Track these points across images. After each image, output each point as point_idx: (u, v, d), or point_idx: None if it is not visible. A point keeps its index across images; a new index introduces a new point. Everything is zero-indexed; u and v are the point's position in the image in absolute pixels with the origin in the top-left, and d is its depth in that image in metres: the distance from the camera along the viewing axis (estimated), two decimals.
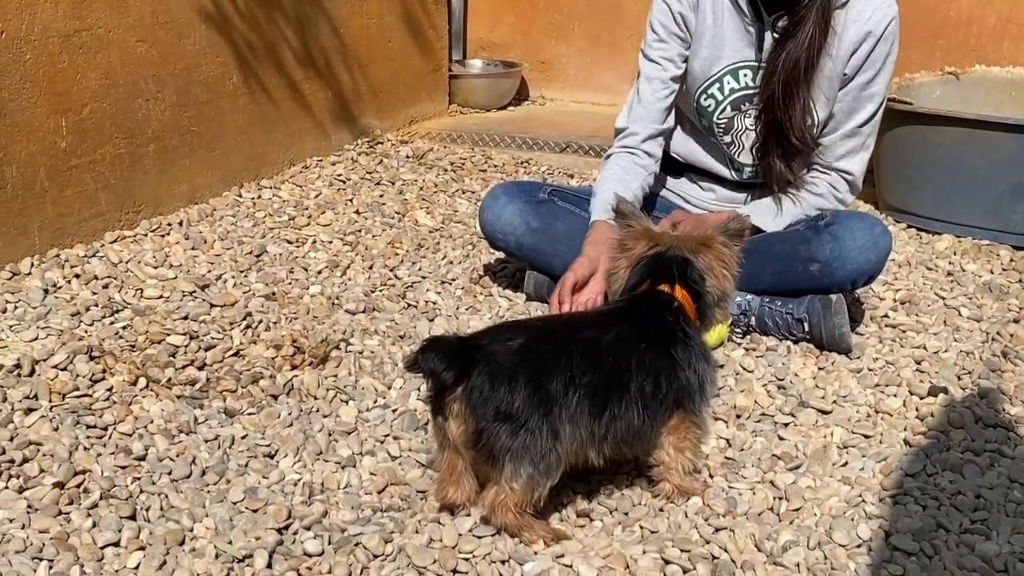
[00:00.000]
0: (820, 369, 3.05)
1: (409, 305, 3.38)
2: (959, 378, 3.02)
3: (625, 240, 2.49)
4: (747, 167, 3.35)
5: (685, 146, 3.45)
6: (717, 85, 3.28)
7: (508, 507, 2.17)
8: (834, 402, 2.86)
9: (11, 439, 2.47)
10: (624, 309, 2.40)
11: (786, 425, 2.75)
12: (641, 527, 2.33)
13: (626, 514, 2.38)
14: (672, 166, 3.50)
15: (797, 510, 2.40)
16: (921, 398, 2.90)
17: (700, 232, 2.47)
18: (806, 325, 3.14)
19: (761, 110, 3.21)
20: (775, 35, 3.13)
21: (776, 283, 3.21)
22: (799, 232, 3.21)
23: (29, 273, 3.32)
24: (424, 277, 3.60)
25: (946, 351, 3.19)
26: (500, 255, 3.72)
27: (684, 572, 2.19)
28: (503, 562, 2.20)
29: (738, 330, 3.22)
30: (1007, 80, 4.83)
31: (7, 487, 2.32)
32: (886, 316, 3.42)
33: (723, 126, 3.31)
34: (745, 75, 3.24)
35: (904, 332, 3.32)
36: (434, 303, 3.41)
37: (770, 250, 3.22)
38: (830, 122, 3.24)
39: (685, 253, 2.40)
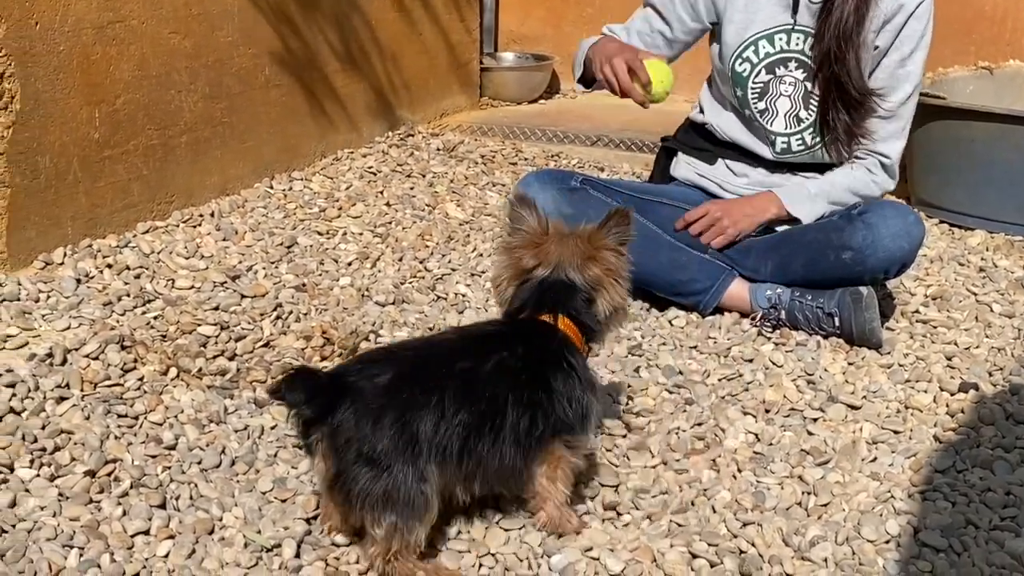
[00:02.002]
0: (850, 364, 3.04)
1: (439, 297, 3.38)
2: (990, 374, 3.00)
3: (514, 245, 2.30)
4: (779, 137, 3.34)
5: (720, 119, 3.44)
6: (752, 48, 3.29)
7: (383, 555, 2.04)
8: (864, 397, 2.84)
9: (43, 427, 2.49)
10: (505, 334, 2.25)
11: (815, 420, 2.74)
12: (669, 521, 2.32)
13: (654, 508, 2.38)
14: (706, 152, 3.49)
15: (825, 505, 2.39)
16: (952, 394, 2.88)
17: (588, 238, 2.27)
18: (836, 319, 3.12)
19: (817, 68, 3.21)
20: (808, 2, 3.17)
21: (808, 273, 3.20)
22: (832, 221, 3.21)
23: (62, 263, 3.34)
24: (454, 269, 3.60)
25: (977, 347, 3.17)
26: None
27: (712, 566, 2.19)
28: (532, 550, 2.21)
29: (768, 324, 3.21)
30: None
31: (39, 475, 2.34)
32: (917, 312, 3.40)
33: (758, 91, 3.31)
34: (780, 39, 3.25)
35: (935, 328, 3.30)
36: (463, 295, 3.41)
37: (803, 239, 3.22)
38: (886, 108, 3.25)
39: (570, 274, 2.24)
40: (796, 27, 3.22)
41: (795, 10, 3.21)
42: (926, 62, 3.26)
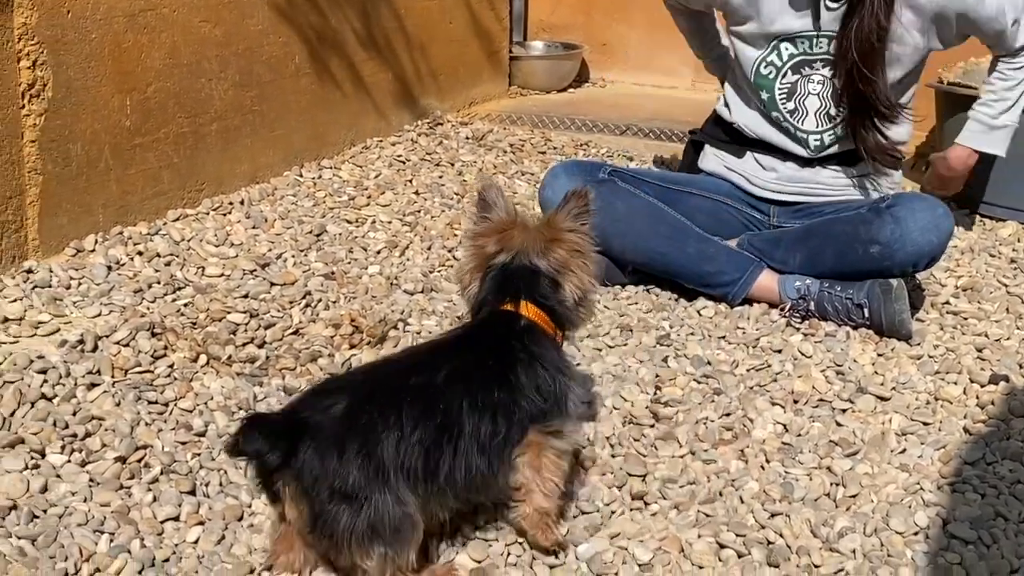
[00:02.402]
0: (879, 355, 3.02)
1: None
2: (1021, 366, 2.98)
3: (479, 236, 2.24)
4: (812, 135, 3.33)
5: (745, 117, 3.44)
6: (775, 53, 3.29)
7: None
8: (893, 389, 2.83)
9: (74, 413, 2.51)
10: (463, 337, 2.19)
11: (844, 411, 2.73)
12: (697, 511, 2.32)
13: (682, 498, 2.37)
14: (734, 145, 3.48)
15: (854, 496, 2.38)
16: (982, 386, 2.87)
17: (547, 223, 2.22)
18: (866, 311, 3.11)
19: (843, 85, 3.21)
20: (827, 6, 3.16)
21: (836, 266, 3.19)
22: (860, 214, 3.20)
23: (93, 250, 3.36)
24: None
25: (1008, 339, 3.15)
26: None
27: (739, 556, 2.19)
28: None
29: (797, 315, 3.20)
30: None
31: (70, 461, 2.36)
32: (947, 303, 3.38)
33: (785, 91, 3.31)
34: (803, 43, 3.26)
35: (966, 319, 3.28)
36: None
37: (831, 231, 3.22)
38: (988, 42, 3.34)
39: (532, 259, 2.17)
40: (820, 33, 3.21)
41: (816, 17, 3.20)
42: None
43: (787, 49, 3.27)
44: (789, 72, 3.29)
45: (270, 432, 1.88)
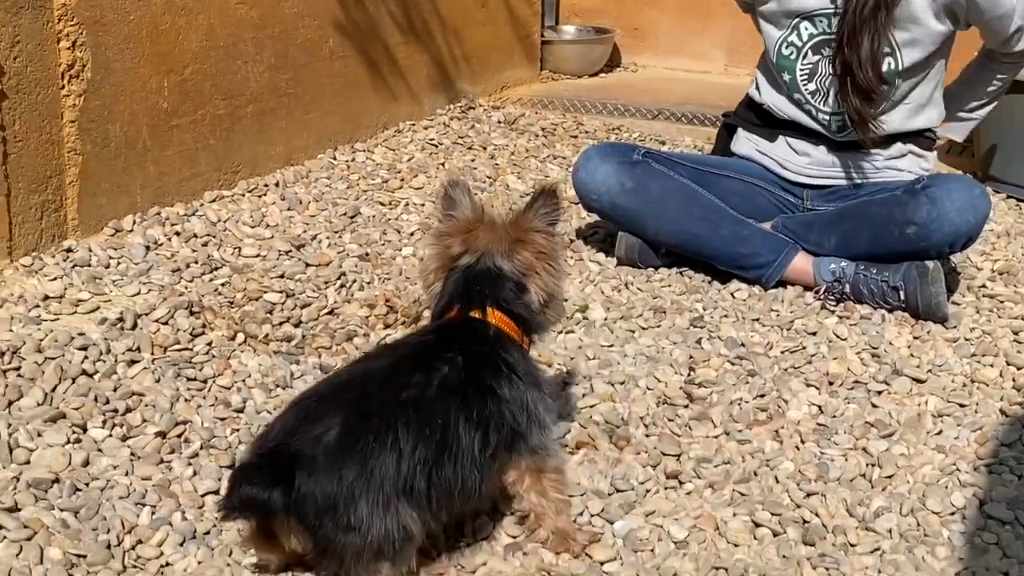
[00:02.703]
0: (915, 338, 3.02)
1: None
2: None
3: (444, 236, 2.17)
4: (833, 117, 3.32)
5: (776, 99, 3.43)
6: (795, 33, 3.29)
7: None
8: (929, 371, 2.83)
9: (115, 389, 2.53)
10: (438, 345, 2.06)
11: (879, 393, 2.73)
12: (732, 490, 2.33)
13: (716, 477, 2.38)
14: (766, 129, 3.48)
15: (890, 477, 2.38)
16: (1018, 368, 2.86)
17: (514, 223, 2.13)
18: (902, 293, 3.10)
19: (835, 51, 3.21)
20: None
21: (872, 248, 3.18)
22: (895, 195, 3.19)
23: (131, 230, 3.38)
24: None
25: None
26: (591, 220, 3.72)
27: (774, 535, 2.19)
28: (595, 516, 2.24)
29: (832, 297, 3.20)
30: None
31: (111, 435, 2.38)
32: (984, 286, 3.37)
33: (806, 72, 3.30)
34: (821, 22, 3.25)
35: (1002, 303, 3.27)
36: None
37: (866, 214, 3.21)
38: (990, 38, 3.30)
39: (497, 261, 2.09)
40: (838, 10, 3.20)
41: None
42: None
43: (807, 29, 3.26)
44: (809, 53, 3.29)
45: (263, 477, 1.80)
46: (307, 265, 3.26)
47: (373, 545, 1.83)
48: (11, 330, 2.73)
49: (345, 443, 1.84)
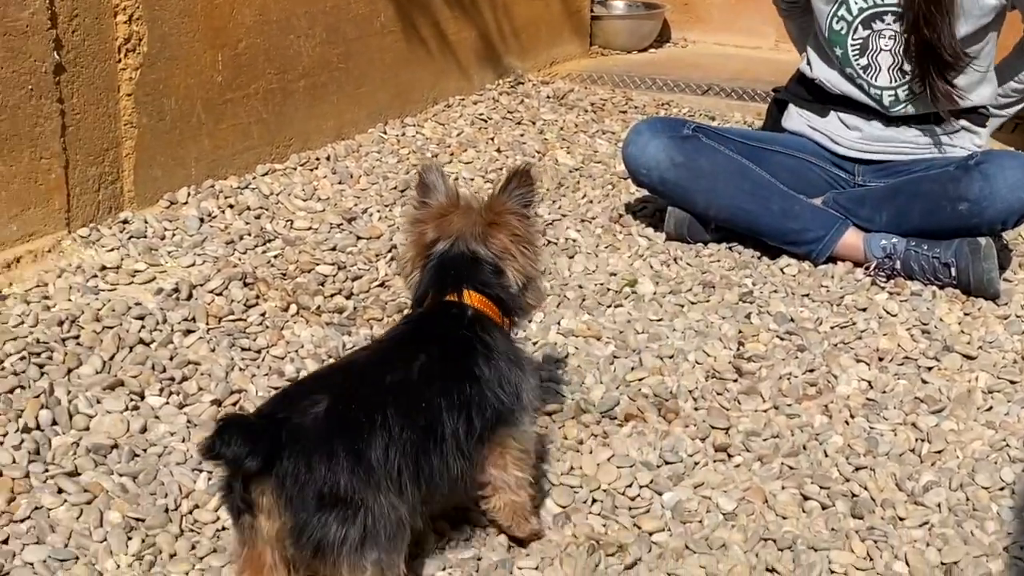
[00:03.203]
0: (966, 315, 3.01)
1: (549, 242, 3.40)
2: None
3: (418, 222, 2.11)
4: (886, 91, 3.30)
5: (828, 74, 3.41)
6: (845, 7, 3.27)
7: None
8: (980, 347, 2.82)
9: (171, 358, 2.57)
10: (418, 332, 2.03)
11: (930, 369, 2.73)
12: (781, 463, 2.34)
13: (765, 450, 2.39)
14: (817, 104, 3.46)
15: (939, 452, 2.39)
16: None
17: (488, 206, 2.07)
18: (953, 270, 3.09)
19: (909, 33, 3.18)
20: None
21: (924, 224, 3.17)
22: (948, 171, 3.18)
23: (186, 202, 3.42)
24: (564, 215, 3.62)
25: None
26: (640, 195, 3.73)
27: (823, 508, 2.21)
28: (644, 487, 2.26)
29: (882, 273, 3.19)
30: None
31: (167, 403, 2.43)
32: None
33: (857, 47, 3.28)
34: None
35: None
36: (574, 240, 3.44)
37: (918, 189, 3.20)
38: None
39: (471, 245, 2.03)
40: None
41: None
42: None
43: (856, 3, 3.24)
44: (860, 27, 3.27)
45: (250, 434, 1.69)
46: (358, 238, 3.29)
47: (360, 530, 1.74)
48: (70, 299, 2.78)
49: (333, 417, 1.77)
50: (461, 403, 1.91)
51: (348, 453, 1.74)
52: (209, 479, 2.17)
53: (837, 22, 3.29)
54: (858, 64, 3.30)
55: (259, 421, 1.77)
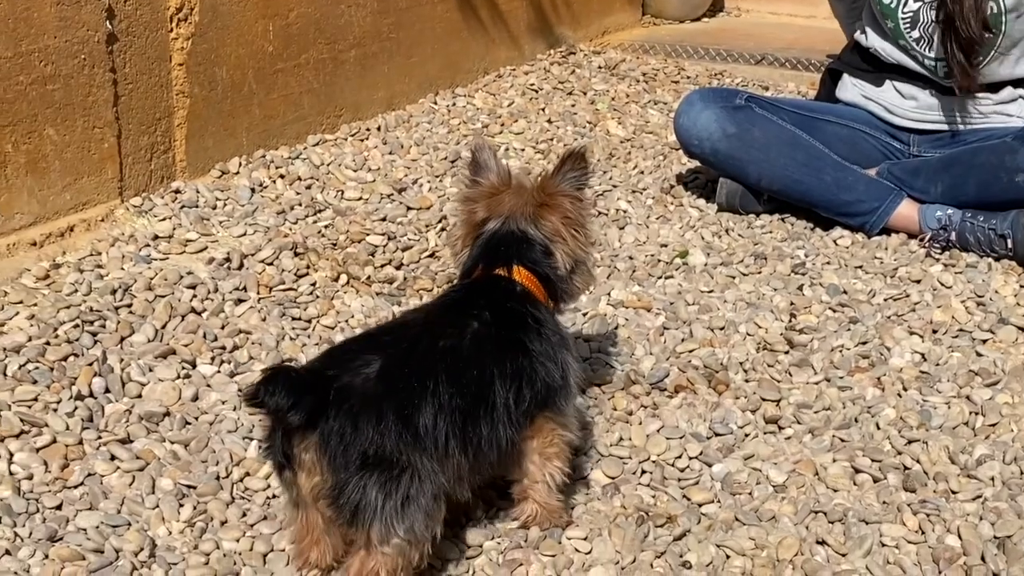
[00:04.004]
0: (1022, 287, 2.97)
1: (600, 213, 3.40)
2: None
3: (469, 201, 2.11)
4: (940, 62, 3.26)
5: (883, 44, 3.37)
6: None
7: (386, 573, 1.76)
8: None
9: (223, 327, 2.60)
10: (467, 299, 2.01)
11: (984, 342, 2.69)
12: (832, 436, 2.32)
13: (816, 423, 2.38)
14: (873, 74, 3.42)
15: (993, 425, 2.36)
16: None
17: (540, 187, 2.06)
18: (1009, 241, 3.05)
19: (938, 8, 3.16)
20: None
21: (980, 195, 3.14)
22: (1005, 142, 3.13)
23: (237, 172, 3.44)
24: (615, 186, 3.61)
25: None
26: (692, 165, 3.70)
27: (874, 481, 2.19)
28: (693, 459, 2.26)
29: (937, 245, 3.16)
30: None
31: (219, 371, 2.45)
32: None
33: (908, 20, 3.25)
34: None
35: None
36: (624, 211, 3.43)
37: (974, 160, 3.16)
38: None
39: (523, 225, 2.03)
40: None
41: None
42: None
43: None
44: (911, 1, 3.23)
45: (297, 387, 1.68)
46: (408, 208, 3.29)
47: (400, 497, 1.72)
48: (123, 268, 2.81)
49: (386, 378, 1.76)
50: (513, 373, 1.89)
51: (397, 417, 1.73)
52: (260, 446, 2.18)
53: None
54: (911, 37, 3.26)
55: (307, 375, 1.75)
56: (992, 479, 2.18)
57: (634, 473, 2.21)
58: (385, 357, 1.79)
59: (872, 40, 3.39)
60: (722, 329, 2.73)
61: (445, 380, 1.80)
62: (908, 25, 3.25)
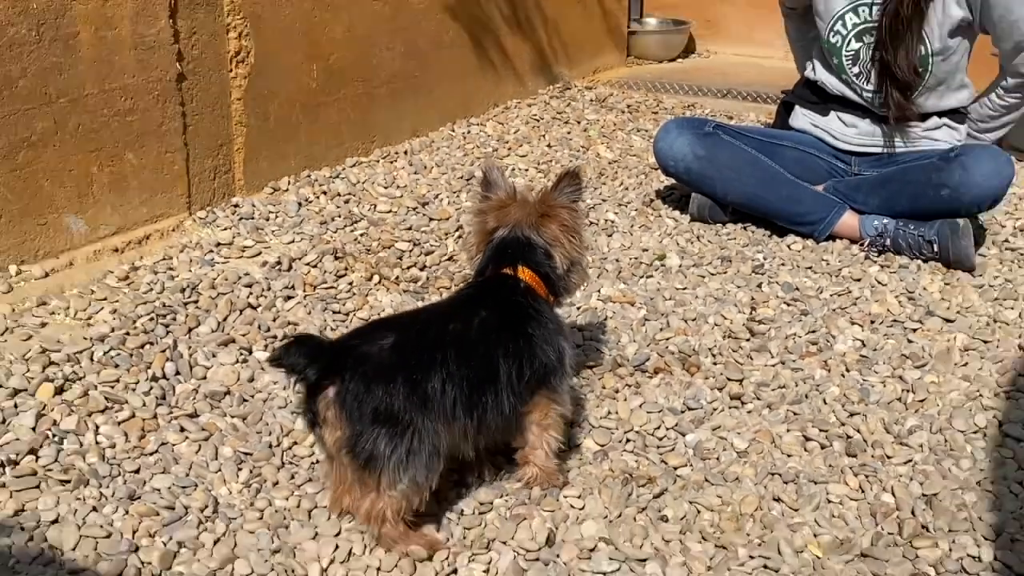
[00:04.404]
0: (946, 284, 2.96)
1: (592, 223, 3.39)
2: None
3: (481, 213, 2.11)
4: (876, 95, 3.24)
5: (827, 77, 3.35)
6: (840, 22, 3.21)
7: (386, 517, 1.79)
8: (958, 312, 2.78)
9: (274, 320, 2.59)
10: (479, 295, 2.02)
11: (914, 330, 2.68)
12: (786, 410, 2.32)
13: (773, 399, 2.37)
14: (820, 105, 3.41)
15: (922, 401, 2.35)
16: None
17: (541, 200, 2.07)
18: (936, 246, 3.04)
19: (874, 49, 3.14)
20: None
21: (911, 207, 3.12)
22: (932, 162, 3.12)
23: (287, 190, 3.43)
24: (604, 200, 3.60)
25: None
26: (668, 183, 3.69)
27: (822, 448, 2.19)
28: (670, 429, 2.25)
29: (875, 249, 3.15)
30: None
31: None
32: (1007, 241, 3.29)
33: (850, 57, 3.23)
34: (863, 11, 3.17)
35: (1022, 255, 3.18)
36: (612, 221, 3.41)
37: (906, 178, 3.16)
38: (1006, 49, 3.13)
39: (527, 232, 2.03)
40: (875, 1, 3.13)
41: None
42: None
43: (851, 19, 3.19)
44: (853, 40, 3.21)
45: (312, 351, 1.73)
46: (430, 219, 3.29)
47: (406, 447, 1.75)
48: (190, 271, 2.81)
49: (398, 349, 1.79)
50: (515, 353, 1.91)
51: (405, 382, 1.75)
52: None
53: (834, 36, 3.23)
54: (852, 72, 3.25)
55: (324, 342, 1.79)
56: (921, 446, 2.18)
57: (620, 441, 2.21)
58: (399, 334, 1.82)
59: (820, 74, 3.38)
60: (694, 320, 2.72)
61: (453, 355, 1.82)
62: (850, 62, 3.24)
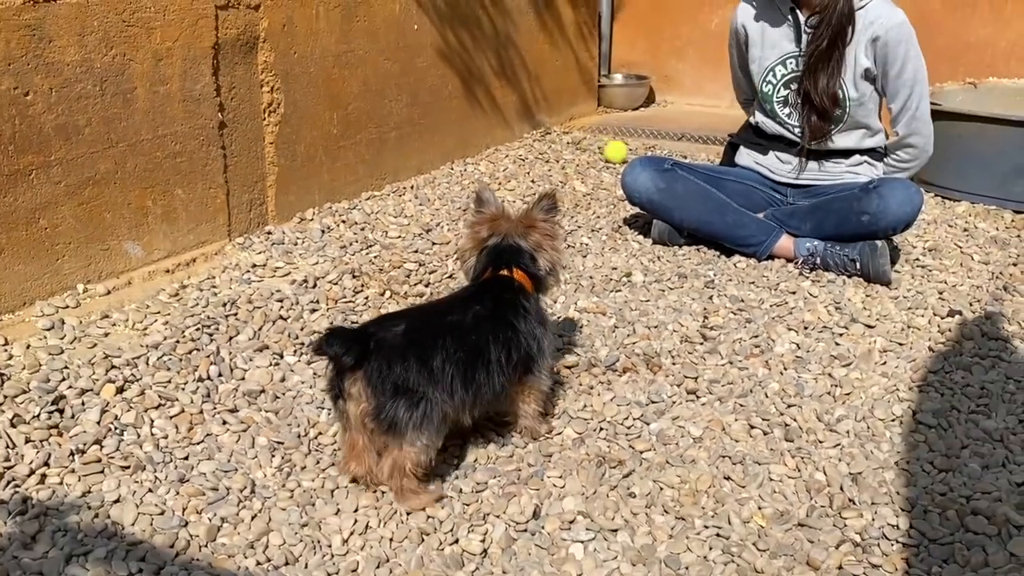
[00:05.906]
0: (867, 296, 2.96)
1: (569, 246, 3.39)
2: (970, 304, 2.90)
3: (476, 225, 2.14)
4: (801, 127, 3.25)
5: (765, 120, 3.36)
6: (771, 74, 3.22)
7: (405, 470, 1.84)
8: (877, 319, 2.78)
9: (302, 329, 2.58)
10: (475, 293, 2.05)
11: (841, 335, 2.69)
12: (734, 402, 2.32)
13: (723, 393, 2.37)
14: (761, 145, 3.42)
15: (848, 394, 2.35)
16: (942, 318, 2.80)
17: (525, 215, 2.13)
18: (858, 264, 3.05)
19: (799, 84, 3.16)
20: (807, 31, 3.10)
21: (837, 231, 3.12)
22: (854, 193, 3.13)
23: (311, 219, 3.43)
24: (579, 227, 3.60)
25: (961, 285, 3.07)
26: (634, 211, 3.70)
27: (764, 434, 2.18)
28: (636, 419, 2.24)
29: (807, 267, 3.15)
30: (1013, 89, 4.55)
31: (299, 360, 2.43)
32: (917, 259, 3.30)
33: (781, 101, 3.25)
34: (790, 63, 3.19)
35: (930, 271, 3.20)
36: (586, 244, 3.42)
37: (832, 207, 3.16)
38: (894, 110, 3.15)
39: (516, 240, 2.08)
40: (801, 54, 3.14)
41: (798, 40, 3.14)
42: (922, 71, 3.10)
43: (780, 70, 3.21)
44: (782, 88, 3.23)
45: (347, 339, 1.77)
46: (433, 243, 3.28)
47: (421, 413, 1.79)
48: (231, 288, 2.80)
49: (408, 334, 1.83)
50: (504, 340, 1.96)
51: (417, 359, 1.81)
52: (328, 413, 2.18)
53: (766, 85, 3.25)
54: (783, 113, 3.27)
55: (355, 332, 1.83)
56: (848, 432, 2.18)
57: (595, 430, 2.20)
58: (408, 322, 1.87)
59: (759, 117, 3.39)
60: (656, 327, 2.72)
61: (451, 340, 1.87)
62: (781, 104, 3.26)
